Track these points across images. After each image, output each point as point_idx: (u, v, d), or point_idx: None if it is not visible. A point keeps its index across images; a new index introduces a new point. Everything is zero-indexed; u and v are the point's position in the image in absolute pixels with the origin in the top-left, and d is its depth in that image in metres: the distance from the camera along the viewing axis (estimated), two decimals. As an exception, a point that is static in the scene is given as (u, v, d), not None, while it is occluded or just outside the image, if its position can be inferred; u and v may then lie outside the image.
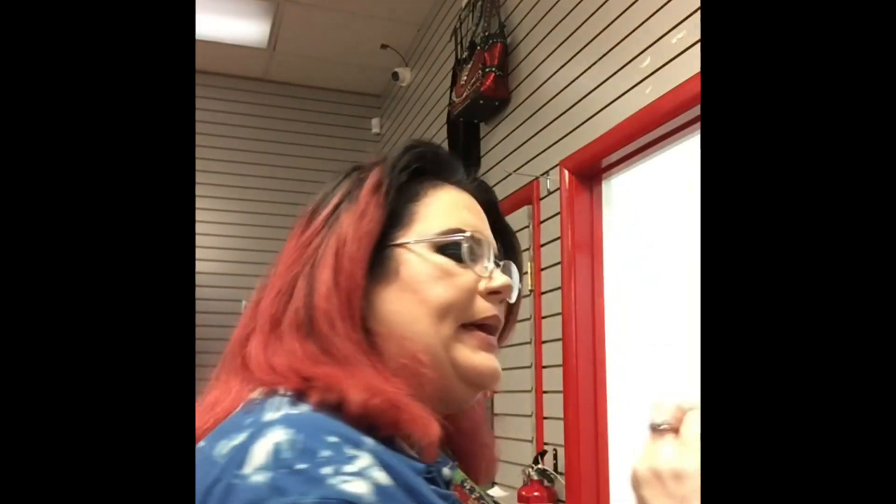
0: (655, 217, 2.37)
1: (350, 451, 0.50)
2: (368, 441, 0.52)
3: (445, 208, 0.67)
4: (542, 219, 2.39)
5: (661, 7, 1.85)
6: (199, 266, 3.79)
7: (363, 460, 0.49)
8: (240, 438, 0.51)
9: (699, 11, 1.68)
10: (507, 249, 0.74)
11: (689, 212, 2.32)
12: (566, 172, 2.24)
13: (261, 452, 0.49)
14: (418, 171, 0.69)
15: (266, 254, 3.95)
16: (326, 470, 0.48)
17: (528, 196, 2.45)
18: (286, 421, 0.52)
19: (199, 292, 3.66)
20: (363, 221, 0.64)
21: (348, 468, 0.48)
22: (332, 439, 0.50)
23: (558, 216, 2.27)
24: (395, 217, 0.66)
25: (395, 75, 3.79)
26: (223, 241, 3.97)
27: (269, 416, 0.53)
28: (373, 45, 3.80)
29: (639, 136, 1.94)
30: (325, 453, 0.49)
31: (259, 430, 0.51)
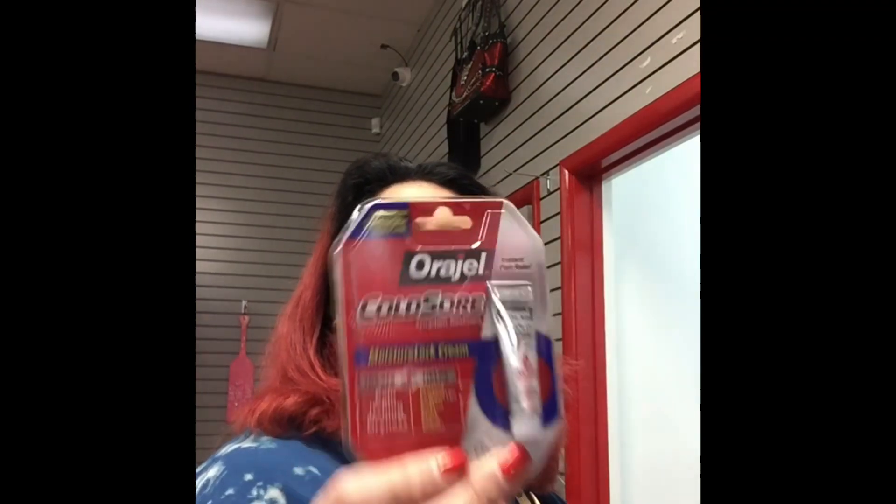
0: (655, 217, 2.37)
1: (254, 492, 0.53)
2: (293, 474, 0.55)
3: None
4: (542, 219, 2.39)
5: (661, 7, 1.85)
6: (199, 266, 3.79)
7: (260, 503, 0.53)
8: (199, 469, 0.56)
9: (699, 11, 1.68)
10: None
11: (689, 212, 2.32)
12: (566, 172, 2.24)
13: (196, 486, 0.55)
14: (364, 184, 0.71)
15: (266, 254, 3.97)
16: None
17: (528, 196, 2.45)
18: (227, 456, 0.57)
19: (199, 292, 3.66)
20: (316, 251, 0.70)
21: None
22: (248, 477, 0.54)
23: (558, 216, 2.27)
24: None
25: (395, 75, 3.79)
26: (223, 241, 3.97)
27: (224, 450, 0.59)
28: (373, 45, 3.80)
29: (639, 136, 1.94)
30: (230, 492, 0.53)
31: (208, 464, 0.57)
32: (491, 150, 2.80)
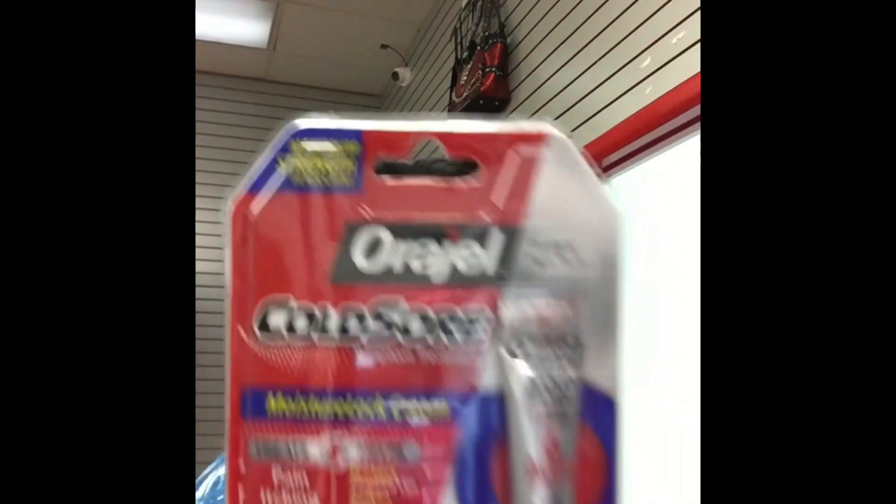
0: (655, 217, 2.37)
1: None
2: None
3: None
4: (542, 219, 2.39)
5: (661, 7, 1.85)
6: (198, 266, 3.78)
7: None
8: (210, 468, 0.56)
9: (699, 11, 1.68)
10: None
11: (689, 212, 2.32)
12: (566, 172, 2.24)
13: (207, 484, 0.54)
14: None
15: (266, 254, 3.95)
16: None
17: (528, 196, 2.45)
18: None
19: (198, 292, 3.66)
20: None
21: None
22: None
23: (558, 216, 2.27)
24: None
25: (395, 75, 3.78)
26: (223, 242, 3.97)
27: None
28: (373, 45, 3.80)
29: (639, 136, 1.94)
30: None
31: (220, 462, 0.56)
32: (491, 150, 2.80)
